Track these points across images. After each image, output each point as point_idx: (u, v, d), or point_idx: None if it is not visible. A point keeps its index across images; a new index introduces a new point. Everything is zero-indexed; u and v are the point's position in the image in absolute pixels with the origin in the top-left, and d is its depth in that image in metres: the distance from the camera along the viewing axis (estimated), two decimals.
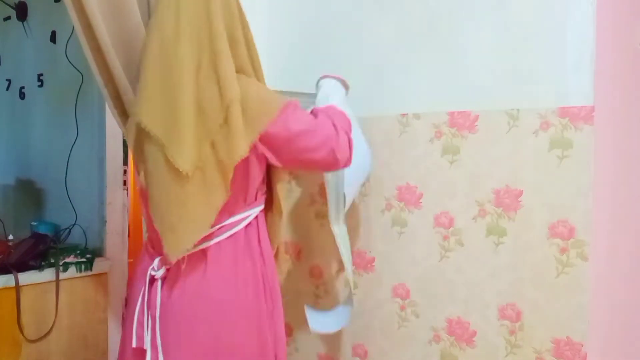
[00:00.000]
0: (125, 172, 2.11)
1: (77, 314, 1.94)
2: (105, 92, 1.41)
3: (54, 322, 1.85)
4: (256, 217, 1.31)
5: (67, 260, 1.92)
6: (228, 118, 1.16)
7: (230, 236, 1.25)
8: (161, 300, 1.24)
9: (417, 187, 1.53)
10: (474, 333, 1.43)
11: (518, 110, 1.35)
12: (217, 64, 1.18)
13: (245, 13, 1.30)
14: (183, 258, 1.21)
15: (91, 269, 1.96)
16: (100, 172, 2.05)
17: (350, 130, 1.32)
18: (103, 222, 2.04)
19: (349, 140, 1.29)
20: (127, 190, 2.12)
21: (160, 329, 1.23)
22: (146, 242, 1.35)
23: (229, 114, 1.16)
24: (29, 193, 2.41)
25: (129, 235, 2.17)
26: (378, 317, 1.62)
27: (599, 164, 1.27)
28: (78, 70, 2.07)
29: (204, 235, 1.21)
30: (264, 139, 1.21)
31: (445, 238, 1.47)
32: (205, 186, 1.18)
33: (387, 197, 1.60)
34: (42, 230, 2.13)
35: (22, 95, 2.48)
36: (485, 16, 1.41)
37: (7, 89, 2.56)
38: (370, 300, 1.64)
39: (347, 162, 1.30)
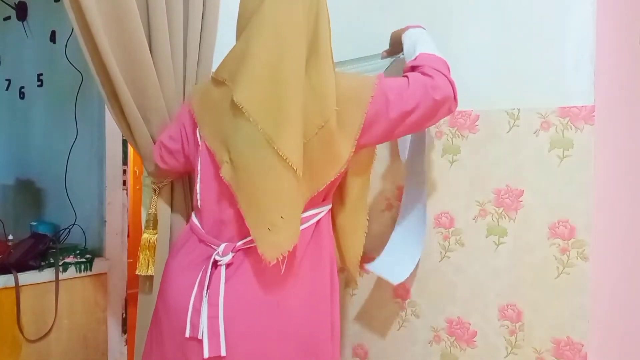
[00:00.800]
0: (124, 172, 2.11)
1: (77, 314, 1.94)
2: (104, 93, 1.41)
3: (54, 322, 1.85)
4: (327, 213, 1.31)
5: (67, 260, 1.92)
6: (321, 134, 1.17)
7: (305, 229, 1.24)
8: (225, 287, 1.19)
9: None
10: (475, 333, 1.42)
11: (518, 110, 1.35)
12: (322, 66, 1.20)
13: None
14: (250, 248, 1.19)
15: (91, 269, 1.96)
16: (99, 172, 2.05)
17: (447, 69, 1.25)
18: (103, 222, 2.04)
19: (449, 80, 1.22)
20: (126, 190, 2.12)
21: (224, 317, 1.17)
22: (196, 229, 1.30)
23: (323, 130, 1.17)
24: (29, 193, 2.41)
25: (128, 235, 2.17)
26: (378, 318, 1.61)
27: (599, 163, 1.27)
28: (78, 70, 2.07)
29: (297, 237, 1.17)
30: (362, 136, 1.21)
31: (446, 238, 1.47)
32: (306, 186, 1.19)
33: (387, 197, 1.59)
34: (42, 230, 2.13)
35: (21, 95, 2.48)
36: (485, 16, 1.41)
37: (7, 89, 2.56)
38: (370, 301, 1.64)
39: (454, 103, 1.24)
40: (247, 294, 1.19)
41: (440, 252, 1.48)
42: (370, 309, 1.64)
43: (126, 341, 2.08)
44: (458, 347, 1.45)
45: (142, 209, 1.59)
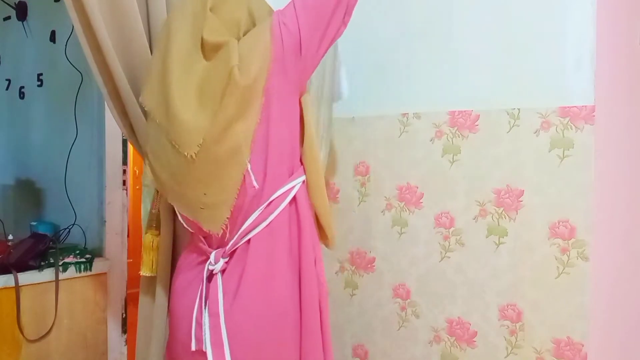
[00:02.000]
0: (124, 171, 2.10)
1: (77, 314, 1.94)
2: (104, 92, 1.41)
3: (54, 322, 1.85)
4: (304, 186, 1.23)
5: (67, 260, 1.92)
6: (224, 102, 1.12)
7: (280, 212, 1.19)
8: (224, 295, 1.18)
9: (417, 187, 1.53)
10: (475, 333, 1.42)
11: (519, 109, 1.35)
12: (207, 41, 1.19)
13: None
14: (235, 250, 1.18)
15: (91, 269, 1.96)
16: (99, 172, 2.05)
17: None
18: (102, 222, 2.03)
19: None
20: (126, 190, 2.12)
21: (226, 325, 1.16)
22: (195, 244, 1.28)
23: (225, 98, 1.12)
24: (29, 193, 2.41)
25: (128, 235, 2.17)
26: (378, 318, 1.61)
27: (599, 163, 1.27)
28: (78, 70, 2.07)
29: (233, 202, 1.15)
30: (279, 54, 1.15)
31: (446, 238, 1.47)
32: (218, 158, 1.14)
33: (387, 197, 1.59)
34: (42, 230, 2.12)
35: (21, 95, 2.48)
36: (486, 16, 1.41)
37: (7, 89, 2.56)
38: (370, 301, 1.64)
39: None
40: (245, 298, 1.18)
41: (440, 252, 1.48)
42: (370, 309, 1.64)
43: (126, 341, 2.08)
44: (458, 347, 1.45)
45: (142, 209, 1.58)
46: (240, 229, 1.19)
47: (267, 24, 1.17)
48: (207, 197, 1.16)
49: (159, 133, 1.18)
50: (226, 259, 1.20)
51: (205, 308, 1.19)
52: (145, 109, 1.21)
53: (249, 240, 1.18)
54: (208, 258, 1.22)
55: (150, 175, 1.26)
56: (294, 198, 1.21)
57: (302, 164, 1.24)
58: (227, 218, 1.16)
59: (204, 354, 1.17)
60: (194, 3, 1.23)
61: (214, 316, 1.17)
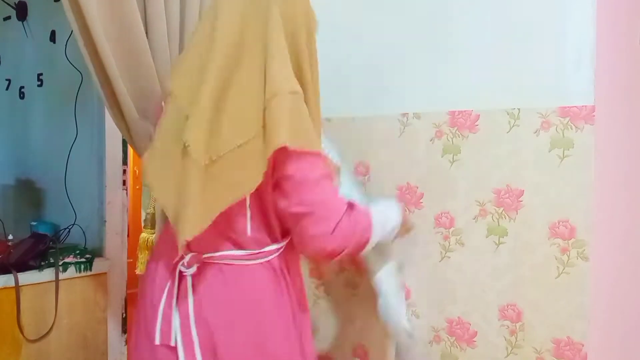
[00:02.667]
0: (124, 171, 2.11)
1: (77, 314, 1.94)
2: (102, 93, 1.41)
3: (54, 322, 1.85)
4: (283, 253, 1.26)
5: (67, 260, 1.92)
6: (251, 144, 1.11)
7: (262, 262, 1.22)
8: (194, 298, 1.19)
9: (417, 187, 1.53)
10: (475, 333, 1.42)
11: (519, 109, 1.35)
12: (264, 60, 1.14)
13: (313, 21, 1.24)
14: (212, 264, 1.19)
15: (91, 269, 1.96)
16: (99, 172, 2.05)
17: (365, 240, 1.22)
18: (102, 222, 2.04)
19: (357, 242, 1.20)
20: (126, 190, 2.12)
21: (196, 327, 1.18)
22: (167, 233, 1.28)
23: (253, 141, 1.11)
24: (29, 193, 2.41)
25: (128, 235, 2.17)
26: (378, 317, 1.61)
27: (599, 163, 1.27)
28: (78, 70, 2.07)
29: (202, 229, 1.12)
30: (278, 163, 1.13)
31: (446, 238, 1.47)
32: (215, 183, 1.12)
33: (387, 197, 1.59)
34: (42, 230, 2.13)
35: (21, 95, 2.48)
36: (485, 15, 1.41)
37: (7, 89, 2.56)
38: (370, 301, 1.63)
39: (332, 254, 1.18)
40: (216, 305, 1.19)
41: (440, 252, 1.48)
42: (370, 309, 1.64)
43: (126, 341, 2.08)
44: (458, 347, 1.45)
45: (142, 209, 1.58)
46: (221, 251, 1.20)
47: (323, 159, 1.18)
48: (191, 208, 1.11)
49: (177, 124, 1.16)
50: (198, 265, 1.20)
51: (175, 306, 1.20)
52: (172, 96, 1.19)
53: (223, 265, 1.20)
54: (182, 257, 1.21)
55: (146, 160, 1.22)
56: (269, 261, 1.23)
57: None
58: (187, 240, 1.12)
59: (168, 349, 1.19)
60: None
61: (184, 318, 1.19)
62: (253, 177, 1.10)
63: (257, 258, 1.22)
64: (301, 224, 1.16)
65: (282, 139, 1.08)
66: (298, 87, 1.15)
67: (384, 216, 1.31)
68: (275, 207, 1.19)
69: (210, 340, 1.18)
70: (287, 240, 1.26)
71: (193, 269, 1.20)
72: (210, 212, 1.12)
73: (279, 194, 1.16)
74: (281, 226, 1.24)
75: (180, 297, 1.20)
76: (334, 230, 1.15)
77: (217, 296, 1.20)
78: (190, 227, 1.11)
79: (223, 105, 1.13)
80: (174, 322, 1.20)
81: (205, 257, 1.21)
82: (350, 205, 1.21)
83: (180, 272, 1.21)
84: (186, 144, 1.11)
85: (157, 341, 1.20)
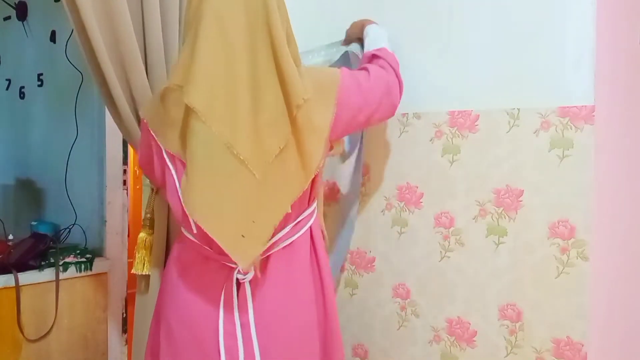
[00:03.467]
0: (125, 171, 2.11)
1: (77, 314, 1.94)
2: (101, 93, 1.42)
3: (54, 322, 1.85)
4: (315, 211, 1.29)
5: (67, 260, 1.92)
6: (298, 122, 1.11)
7: (303, 233, 1.24)
8: (254, 305, 1.17)
9: (417, 187, 1.53)
10: (475, 333, 1.43)
11: (518, 109, 1.35)
12: (279, 64, 1.11)
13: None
14: (266, 260, 1.18)
15: (91, 269, 1.96)
16: (100, 172, 2.05)
17: (398, 69, 1.35)
18: (103, 222, 2.04)
19: (399, 80, 1.34)
20: (126, 190, 2.12)
21: (257, 335, 1.16)
22: (198, 252, 1.22)
23: (300, 117, 1.11)
24: (29, 193, 2.41)
25: (128, 235, 2.17)
26: (378, 317, 1.61)
27: (599, 163, 1.27)
28: (78, 70, 2.08)
29: (269, 239, 1.14)
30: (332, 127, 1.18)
31: (446, 238, 1.47)
32: (277, 188, 1.12)
33: (387, 197, 1.59)
34: (42, 230, 2.13)
35: (22, 95, 2.48)
36: (485, 15, 1.41)
37: (7, 89, 2.56)
38: (370, 300, 1.64)
39: (398, 103, 1.35)
40: (275, 308, 1.19)
41: (440, 252, 1.48)
42: (370, 309, 1.64)
43: (126, 341, 2.08)
44: (458, 346, 1.45)
45: (142, 209, 1.59)
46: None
47: (338, 73, 1.23)
48: (255, 226, 1.09)
49: (215, 144, 1.08)
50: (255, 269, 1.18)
51: (237, 318, 1.17)
52: (199, 114, 1.08)
53: (269, 255, 1.19)
54: (229, 268, 1.18)
55: (186, 190, 1.11)
56: (311, 226, 1.27)
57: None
58: (260, 255, 1.12)
59: None
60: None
61: (244, 327, 1.17)
62: (305, 175, 1.14)
63: (300, 229, 1.23)
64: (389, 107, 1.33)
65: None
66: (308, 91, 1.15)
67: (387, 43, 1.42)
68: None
69: (269, 345, 1.17)
70: (312, 206, 1.27)
71: (251, 274, 1.16)
72: (274, 220, 1.13)
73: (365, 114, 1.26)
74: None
75: (240, 306, 1.17)
76: (399, 90, 1.35)
77: (271, 297, 1.19)
78: (260, 244, 1.11)
79: (258, 118, 1.10)
80: (238, 336, 1.16)
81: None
82: (381, 58, 1.35)
83: (239, 281, 1.17)
84: (244, 161, 1.07)
85: (223, 358, 1.16)
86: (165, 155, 1.20)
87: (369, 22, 1.48)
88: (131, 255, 2.16)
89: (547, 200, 1.30)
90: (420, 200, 1.52)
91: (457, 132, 1.45)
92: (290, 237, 1.22)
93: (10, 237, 2.18)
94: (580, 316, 1.26)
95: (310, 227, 1.28)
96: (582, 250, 1.25)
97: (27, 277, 1.80)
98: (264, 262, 1.19)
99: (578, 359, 1.26)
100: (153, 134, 1.22)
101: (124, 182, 2.10)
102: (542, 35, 1.32)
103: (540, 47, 1.32)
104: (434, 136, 1.49)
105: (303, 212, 1.25)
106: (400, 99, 1.35)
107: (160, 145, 1.20)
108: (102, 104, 1.93)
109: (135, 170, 2.93)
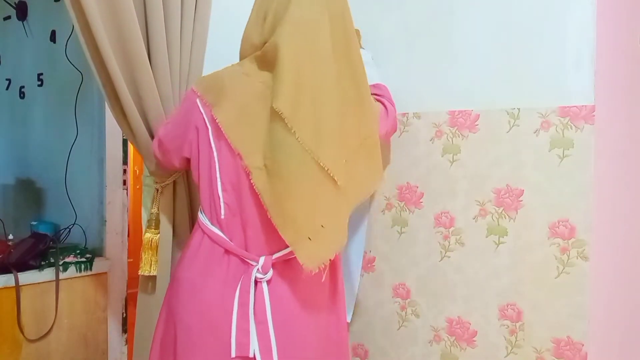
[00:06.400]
0: (125, 171, 2.11)
1: (77, 314, 1.94)
2: (104, 92, 1.42)
3: (54, 321, 1.85)
4: None
5: (67, 260, 1.92)
6: (364, 146, 1.23)
7: None
8: (271, 303, 1.18)
9: (417, 187, 1.53)
10: (475, 333, 1.42)
11: (519, 109, 1.35)
12: (358, 75, 1.23)
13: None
14: (287, 260, 1.19)
15: (91, 269, 1.96)
16: (100, 172, 2.05)
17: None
18: (103, 221, 2.04)
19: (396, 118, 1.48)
20: (126, 189, 2.12)
21: (275, 334, 1.17)
22: (219, 244, 1.24)
23: (366, 143, 1.24)
24: (29, 192, 2.41)
25: (128, 235, 2.17)
26: (378, 317, 1.61)
27: (599, 163, 1.27)
28: (78, 70, 2.07)
29: (344, 244, 1.20)
30: None
31: (446, 238, 1.47)
32: (349, 198, 1.19)
33: (387, 197, 1.59)
34: (42, 229, 2.13)
35: (22, 95, 2.48)
36: (485, 15, 1.41)
37: (7, 89, 2.56)
38: (370, 300, 1.64)
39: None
40: (292, 308, 1.20)
41: (440, 252, 1.48)
42: (370, 309, 1.64)
43: (126, 341, 2.08)
44: (458, 346, 1.45)
45: (143, 209, 1.59)
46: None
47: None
48: (324, 231, 1.13)
49: (300, 152, 1.13)
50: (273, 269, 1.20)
51: (251, 315, 1.18)
52: (286, 120, 1.12)
53: (291, 259, 1.20)
54: (246, 264, 1.20)
55: (260, 179, 1.16)
56: None
57: None
58: (330, 260, 1.16)
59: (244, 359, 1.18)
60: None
61: (261, 324, 1.18)
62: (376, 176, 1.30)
63: None
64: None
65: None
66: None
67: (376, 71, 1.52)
68: None
69: (287, 344, 1.18)
70: None
71: (270, 274, 1.18)
72: (341, 224, 1.18)
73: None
74: None
75: (257, 304, 1.18)
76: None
77: (290, 298, 1.21)
78: (332, 249, 1.16)
79: (342, 125, 1.17)
80: (251, 332, 1.17)
81: (278, 257, 1.21)
82: (383, 96, 1.48)
83: (257, 279, 1.19)
84: (325, 168, 1.13)
85: (234, 354, 1.17)
86: (210, 136, 1.22)
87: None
88: (131, 255, 2.17)
89: (547, 200, 1.30)
90: (421, 200, 1.52)
91: (457, 132, 1.45)
92: None
93: (10, 237, 2.18)
94: (580, 316, 1.26)
95: None
96: (582, 250, 1.25)
97: (27, 277, 1.80)
98: (284, 264, 1.20)
99: (578, 359, 1.26)
100: (206, 104, 1.23)
101: (124, 182, 2.10)
102: (542, 35, 1.32)
103: (540, 47, 1.32)
104: (434, 136, 1.49)
105: None
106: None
107: (208, 120, 1.22)
108: (102, 104, 1.94)
109: (135, 170, 2.93)
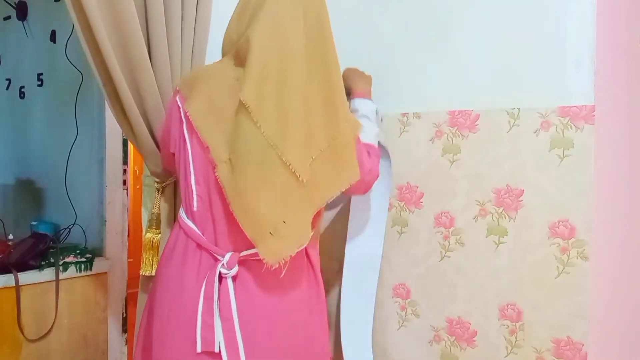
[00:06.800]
0: (125, 171, 2.11)
1: (77, 314, 1.94)
2: (105, 92, 1.42)
3: (54, 321, 1.85)
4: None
5: (67, 260, 1.92)
6: (335, 145, 1.19)
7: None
8: (237, 299, 1.18)
9: (417, 187, 1.53)
10: (475, 333, 1.43)
11: (519, 109, 1.35)
12: (332, 75, 1.20)
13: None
14: (254, 257, 1.18)
15: (91, 269, 1.96)
16: (100, 172, 2.05)
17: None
18: (103, 221, 2.04)
19: (377, 176, 1.36)
20: (126, 189, 2.12)
21: (241, 329, 1.17)
22: (198, 237, 1.24)
23: (336, 142, 1.19)
24: (29, 192, 2.41)
25: (128, 235, 2.17)
26: (378, 317, 1.61)
27: (599, 163, 1.27)
28: (78, 70, 2.08)
29: (306, 242, 1.19)
30: None
31: (446, 238, 1.47)
32: (313, 195, 1.17)
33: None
34: (42, 229, 2.13)
35: (22, 95, 2.48)
36: (485, 15, 1.41)
37: (7, 89, 2.56)
38: None
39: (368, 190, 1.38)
40: (258, 305, 1.19)
41: (440, 252, 1.48)
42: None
43: (126, 341, 2.09)
44: (458, 346, 1.45)
45: (143, 209, 1.59)
46: None
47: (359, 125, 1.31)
48: (285, 226, 1.13)
49: (264, 146, 1.13)
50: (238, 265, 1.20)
51: (216, 310, 1.18)
52: (251, 113, 1.13)
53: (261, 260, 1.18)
54: (215, 259, 1.21)
55: (223, 172, 1.16)
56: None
57: None
58: (291, 256, 1.14)
59: (210, 355, 1.17)
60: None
61: (226, 320, 1.17)
62: (346, 176, 1.21)
63: None
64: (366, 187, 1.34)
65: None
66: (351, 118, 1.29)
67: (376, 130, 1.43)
68: None
69: (254, 342, 1.18)
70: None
71: (235, 270, 1.18)
72: (304, 221, 1.17)
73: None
74: None
75: (222, 300, 1.18)
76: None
77: (258, 295, 1.20)
78: (293, 245, 1.15)
79: (309, 122, 1.16)
80: (216, 328, 1.17)
81: (245, 255, 1.19)
82: (372, 148, 1.36)
83: (222, 275, 1.18)
84: (287, 164, 1.12)
85: (199, 349, 1.17)
86: (185, 129, 1.24)
87: (356, 88, 1.46)
88: (131, 255, 2.17)
89: (547, 200, 1.30)
90: (421, 200, 1.52)
91: (457, 132, 1.45)
92: None
93: (10, 237, 2.18)
94: (580, 316, 1.26)
95: (306, 250, 1.27)
96: (582, 250, 1.25)
97: (27, 277, 1.80)
98: (256, 262, 1.19)
99: (578, 359, 1.26)
100: (182, 98, 1.25)
101: (124, 182, 2.11)
102: (542, 35, 1.32)
103: (540, 47, 1.32)
104: (434, 136, 1.49)
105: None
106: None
107: (183, 114, 1.24)
108: (102, 104, 1.94)
109: (135, 170, 2.93)
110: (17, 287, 1.76)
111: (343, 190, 1.20)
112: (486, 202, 1.40)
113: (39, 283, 1.84)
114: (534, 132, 1.32)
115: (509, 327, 1.37)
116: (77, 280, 1.94)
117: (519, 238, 1.35)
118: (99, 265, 1.99)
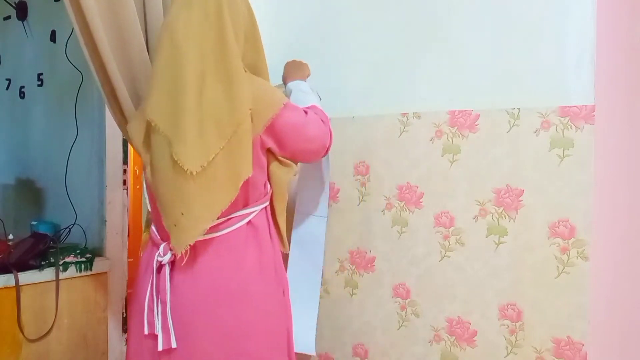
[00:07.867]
0: (125, 171, 2.11)
1: (77, 314, 1.94)
2: (103, 92, 1.42)
3: (54, 321, 1.85)
4: (263, 212, 1.37)
5: (67, 259, 1.92)
6: (239, 134, 1.23)
7: (238, 228, 1.31)
8: (171, 284, 1.28)
9: (417, 187, 1.53)
10: (475, 333, 1.43)
11: (519, 109, 1.35)
12: (227, 68, 1.24)
13: (253, 13, 1.36)
14: (190, 246, 1.25)
15: (91, 269, 1.96)
16: (100, 172, 2.05)
17: (329, 124, 1.45)
18: (103, 221, 2.04)
19: (331, 134, 1.44)
20: (126, 189, 2.12)
21: (171, 312, 1.27)
22: (152, 231, 1.39)
23: (240, 130, 1.23)
24: (29, 192, 2.41)
25: (128, 235, 2.17)
26: (378, 317, 1.62)
27: (599, 163, 1.27)
28: (78, 70, 2.07)
29: (205, 230, 1.25)
30: (269, 130, 1.30)
31: (446, 238, 1.47)
32: (210, 186, 1.23)
33: (387, 197, 1.60)
34: (42, 229, 2.13)
35: (22, 95, 2.48)
36: (485, 15, 1.41)
37: (7, 89, 2.56)
38: (370, 300, 1.64)
39: (328, 151, 1.46)
40: (188, 293, 1.28)
41: (440, 252, 1.48)
42: (370, 309, 1.64)
43: (126, 341, 2.08)
44: (458, 346, 1.45)
45: (142, 209, 1.59)
46: None
47: (281, 101, 1.32)
48: (183, 218, 1.22)
49: (163, 142, 1.24)
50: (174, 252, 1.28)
51: (156, 295, 1.29)
52: (152, 123, 1.25)
53: (195, 244, 1.26)
54: (156, 245, 1.33)
55: (147, 171, 1.31)
56: (251, 221, 1.32)
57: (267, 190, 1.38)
58: (190, 245, 1.24)
59: (154, 337, 1.29)
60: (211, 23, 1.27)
61: (163, 304, 1.28)
62: (242, 171, 1.25)
63: (235, 223, 1.30)
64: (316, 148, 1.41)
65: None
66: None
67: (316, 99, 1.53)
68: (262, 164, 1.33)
69: (184, 322, 1.27)
70: (257, 206, 1.34)
71: (168, 257, 1.28)
72: (211, 213, 1.24)
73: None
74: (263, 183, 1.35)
75: (160, 285, 1.29)
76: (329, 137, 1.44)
77: (191, 278, 1.28)
78: (192, 235, 1.23)
79: (203, 118, 1.22)
80: (155, 312, 1.29)
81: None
82: (313, 113, 1.42)
83: (159, 263, 1.30)
84: (176, 159, 1.20)
85: (146, 331, 1.30)
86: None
87: (288, 76, 1.56)
88: (131, 255, 2.17)
89: (547, 200, 1.30)
90: (420, 200, 1.52)
91: (457, 132, 1.45)
92: (216, 231, 1.28)
93: (10, 236, 2.17)
94: (580, 316, 1.26)
95: (252, 225, 1.33)
96: (582, 250, 1.25)
97: (27, 277, 1.80)
98: (191, 249, 1.27)
99: (578, 359, 1.26)
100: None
101: (124, 182, 2.10)
102: (542, 35, 1.32)
103: (540, 47, 1.32)
104: (434, 136, 1.49)
105: (236, 211, 1.30)
106: (330, 146, 1.44)
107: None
108: (102, 104, 1.94)
109: (135, 170, 2.93)
110: (17, 287, 1.76)
111: (240, 183, 1.25)
112: (486, 202, 1.40)
113: (39, 283, 1.83)
114: (534, 132, 1.32)
115: (509, 327, 1.37)
116: (77, 280, 1.94)
117: (519, 238, 1.35)
118: (99, 265, 1.98)
